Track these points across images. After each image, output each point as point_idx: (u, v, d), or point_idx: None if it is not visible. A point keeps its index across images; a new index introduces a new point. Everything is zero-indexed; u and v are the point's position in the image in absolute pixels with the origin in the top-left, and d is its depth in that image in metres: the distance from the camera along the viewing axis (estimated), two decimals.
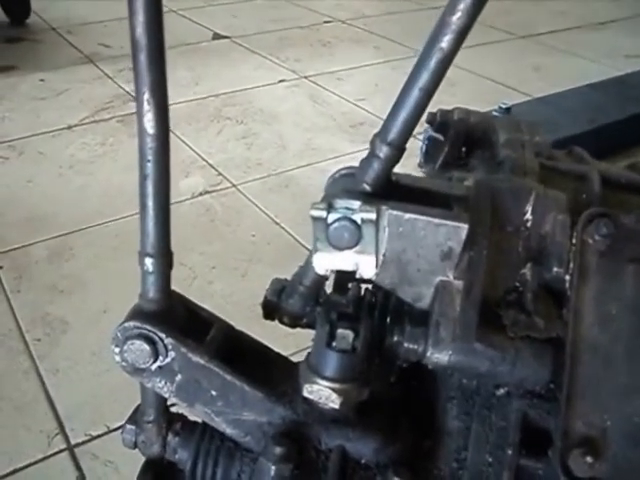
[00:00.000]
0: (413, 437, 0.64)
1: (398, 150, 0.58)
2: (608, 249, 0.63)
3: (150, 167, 0.55)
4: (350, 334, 0.58)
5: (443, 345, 0.59)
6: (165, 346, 0.60)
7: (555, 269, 0.64)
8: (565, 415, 0.58)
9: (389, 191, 0.61)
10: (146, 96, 0.53)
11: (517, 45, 3.67)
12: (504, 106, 2.16)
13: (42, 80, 3.02)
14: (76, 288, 1.71)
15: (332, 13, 4.13)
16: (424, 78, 0.55)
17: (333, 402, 0.59)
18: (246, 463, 0.65)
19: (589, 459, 0.57)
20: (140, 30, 0.50)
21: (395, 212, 0.58)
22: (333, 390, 0.59)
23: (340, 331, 0.58)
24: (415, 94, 0.56)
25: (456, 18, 0.53)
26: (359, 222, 0.58)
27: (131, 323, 0.60)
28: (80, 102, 2.78)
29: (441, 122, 0.85)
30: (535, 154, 0.77)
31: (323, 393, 0.60)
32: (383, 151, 0.58)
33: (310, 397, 0.60)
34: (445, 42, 0.54)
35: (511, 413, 0.62)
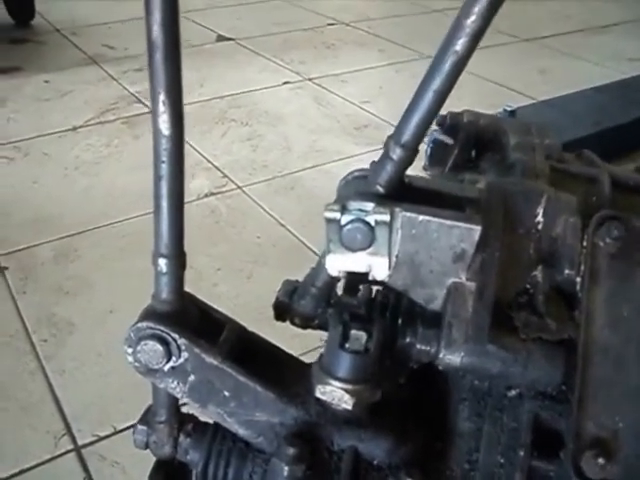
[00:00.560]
0: (424, 438, 0.64)
1: (411, 152, 0.58)
2: (619, 252, 0.64)
3: (165, 168, 0.55)
4: (363, 335, 0.59)
5: (455, 347, 0.59)
6: (178, 347, 0.60)
7: (566, 271, 0.64)
8: (577, 417, 0.58)
9: (402, 193, 0.61)
10: (162, 97, 0.53)
11: (521, 48, 3.67)
12: (509, 109, 2.17)
13: (47, 81, 3.03)
14: (82, 289, 1.71)
15: (336, 15, 4.14)
16: (438, 81, 0.55)
17: (346, 403, 0.59)
18: (258, 464, 0.65)
19: (601, 461, 0.57)
20: (156, 30, 0.50)
21: (409, 214, 0.58)
22: (346, 391, 0.59)
23: (353, 332, 0.59)
24: (429, 97, 0.56)
25: (471, 21, 0.53)
26: (372, 224, 0.58)
27: (144, 323, 0.60)
28: (85, 103, 2.79)
29: (451, 124, 0.85)
30: (545, 157, 0.77)
31: (336, 394, 0.60)
32: (396, 153, 0.58)
33: (323, 398, 0.60)
34: (459, 45, 0.54)
35: (523, 414, 0.62)
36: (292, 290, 0.73)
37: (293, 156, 2.43)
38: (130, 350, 0.61)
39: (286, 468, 0.57)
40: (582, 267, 0.63)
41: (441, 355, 0.60)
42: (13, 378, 1.46)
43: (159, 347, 0.60)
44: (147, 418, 0.68)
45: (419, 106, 0.58)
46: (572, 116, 2.24)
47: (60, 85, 3.00)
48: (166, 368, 0.61)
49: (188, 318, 0.62)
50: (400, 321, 0.64)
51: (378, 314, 0.64)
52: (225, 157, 2.34)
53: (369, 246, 0.59)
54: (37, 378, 1.44)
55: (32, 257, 1.86)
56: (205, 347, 0.61)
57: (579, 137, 2.10)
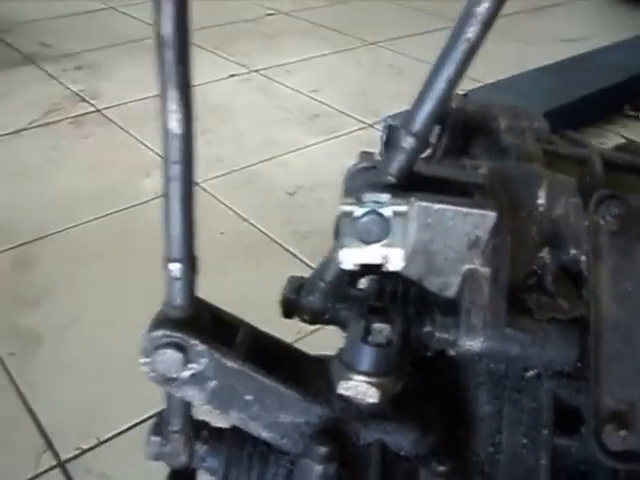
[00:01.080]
0: (446, 426, 0.64)
1: (423, 141, 0.58)
2: (619, 229, 0.65)
3: (177, 169, 0.53)
4: (387, 327, 0.58)
5: (475, 332, 0.60)
6: (197, 353, 0.59)
7: (572, 251, 0.66)
8: (594, 392, 0.60)
9: (412, 182, 0.61)
10: (173, 94, 0.51)
11: None
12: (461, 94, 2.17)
13: None
14: (45, 298, 1.65)
15: (274, 5, 4.10)
16: (450, 69, 0.55)
17: (371, 397, 0.59)
18: (281, 465, 0.64)
19: (622, 433, 0.59)
20: (167, 25, 0.48)
21: (424, 203, 0.58)
22: (371, 384, 0.59)
23: (377, 325, 0.58)
24: (440, 85, 0.56)
25: (482, 8, 0.53)
26: (389, 215, 0.58)
27: (160, 332, 0.58)
28: (26, 105, 2.68)
29: None
30: (536, 140, 0.79)
31: (360, 389, 0.59)
32: (408, 142, 0.58)
33: (346, 394, 0.60)
34: (471, 32, 0.54)
35: (542, 394, 0.63)
36: (299, 286, 0.72)
37: (248, 149, 2.40)
38: (146, 360, 0.59)
39: (319, 468, 0.56)
40: (586, 246, 0.65)
41: (461, 342, 0.60)
42: None
43: (177, 355, 0.58)
44: (159, 429, 0.66)
45: (431, 95, 0.57)
46: (522, 97, 2.29)
47: None
48: (185, 376, 0.60)
49: (203, 323, 0.60)
50: (416, 310, 0.64)
51: (395, 305, 0.64)
52: None
53: (384, 238, 0.59)
54: (9, 394, 1.38)
55: None
56: (224, 351, 0.59)
57: None
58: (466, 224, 0.59)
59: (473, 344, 0.60)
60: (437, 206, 0.58)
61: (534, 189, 0.67)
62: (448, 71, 0.56)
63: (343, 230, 0.59)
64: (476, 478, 0.62)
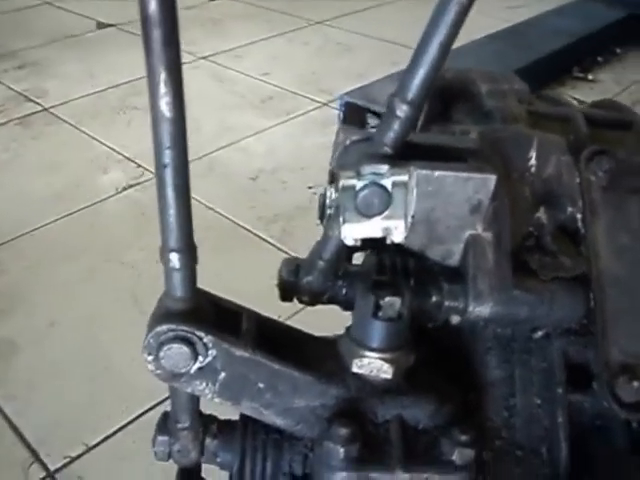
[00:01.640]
0: (458, 394, 0.64)
1: (418, 109, 0.56)
2: (610, 184, 0.65)
3: (169, 154, 0.50)
4: (397, 301, 0.57)
5: (483, 297, 0.59)
6: (205, 345, 0.56)
7: (568, 209, 0.66)
8: (603, 346, 0.60)
9: (407, 151, 0.59)
10: (162, 77, 0.48)
11: (407, 4, 3.72)
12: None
13: None
14: (15, 305, 1.60)
15: None
16: (442, 33, 0.53)
17: (385, 372, 0.58)
18: (297, 451, 0.63)
19: (635, 384, 0.59)
20: (153, 5, 0.45)
21: (424, 171, 0.57)
22: (384, 360, 0.58)
23: (387, 299, 0.57)
24: (433, 50, 0.54)
25: None
26: (389, 186, 0.57)
27: (164, 326, 0.56)
28: None
29: None
30: (518, 101, 0.78)
31: (374, 365, 0.58)
32: (403, 110, 0.56)
33: (360, 372, 0.59)
34: None
35: (552, 353, 0.63)
36: (295, 268, 0.70)
37: (205, 137, 2.36)
38: (151, 358, 0.56)
39: (341, 450, 0.55)
40: (580, 203, 0.65)
41: (470, 308, 0.59)
42: None
43: (185, 349, 0.56)
44: (167, 427, 0.64)
45: (423, 60, 0.56)
46: (474, 65, 2.30)
47: None
48: (193, 370, 0.57)
49: (206, 314, 0.58)
50: (420, 281, 0.63)
51: (402, 278, 0.63)
52: (135, 146, 2.24)
53: (385, 210, 0.57)
54: None
55: None
56: (232, 341, 0.57)
57: None
58: (467, 189, 0.58)
59: (482, 309, 0.60)
60: (437, 173, 0.57)
61: (525, 150, 0.67)
62: (440, 35, 0.54)
63: (344, 205, 0.57)
64: (496, 443, 0.62)
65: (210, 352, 0.57)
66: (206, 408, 0.63)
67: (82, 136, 2.35)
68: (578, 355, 0.64)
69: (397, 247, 0.65)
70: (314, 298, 0.69)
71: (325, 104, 2.62)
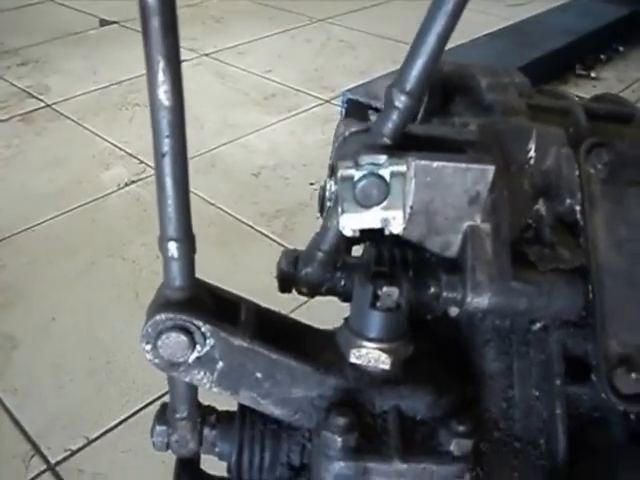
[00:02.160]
0: (457, 386, 0.64)
1: (417, 99, 0.56)
2: (609, 176, 0.65)
3: (168, 143, 0.50)
4: (395, 291, 0.57)
5: (482, 288, 0.59)
6: (203, 334, 0.56)
7: (567, 201, 0.66)
8: (601, 339, 0.60)
9: (405, 142, 0.59)
10: (161, 65, 0.48)
11: (409, 3, 3.72)
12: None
13: None
14: (16, 300, 1.60)
15: None
16: (440, 24, 0.53)
17: (383, 363, 0.58)
18: (294, 442, 0.63)
19: (634, 375, 0.59)
20: None
21: (423, 162, 0.57)
22: (382, 351, 0.58)
23: (385, 289, 0.57)
24: (431, 40, 0.54)
25: None
26: (387, 177, 0.57)
27: (162, 315, 0.56)
28: None
29: None
30: (519, 95, 0.78)
31: (372, 355, 0.58)
32: (402, 101, 0.56)
33: (358, 362, 0.59)
34: None
35: (550, 345, 0.63)
36: (295, 259, 0.70)
37: (207, 133, 2.36)
38: (149, 347, 0.56)
39: (339, 439, 0.55)
40: (579, 195, 0.65)
41: (469, 299, 0.59)
42: None
43: (183, 338, 0.56)
44: (165, 418, 0.64)
45: (422, 51, 0.56)
46: (479, 61, 2.30)
47: None
48: (191, 359, 0.57)
49: (205, 303, 0.58)
50: (418, 273, 0.63)
51: (401, 269, 0.63)
52: (137, 143, 2.24)
53: (384, 200, 0.57)
54: None
55: None
56: (231, 330, 0.57)
57: None
58: (466, 180, 0.58)
59: (480, 300, 0.59)
60: (436, 164, 0.57)
61: (524, 142, 0.67)
62: (438, 26, 0.54)
63: (343, 195, 0.57)
64: (494, 435, 0.62)
65: (208, 341, 0.57)
66: (205, 400, 0.63)
67: (84, 132, 2.35)
68: (577, 347, 0.64)
69: (396, 239, 0.65)
70: (313, 289, 0.69)
71: (327, 101, 2.62)
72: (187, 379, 0.59)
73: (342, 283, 0.68)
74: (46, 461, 1.21)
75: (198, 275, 0.58)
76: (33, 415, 1.30)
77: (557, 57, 2.62)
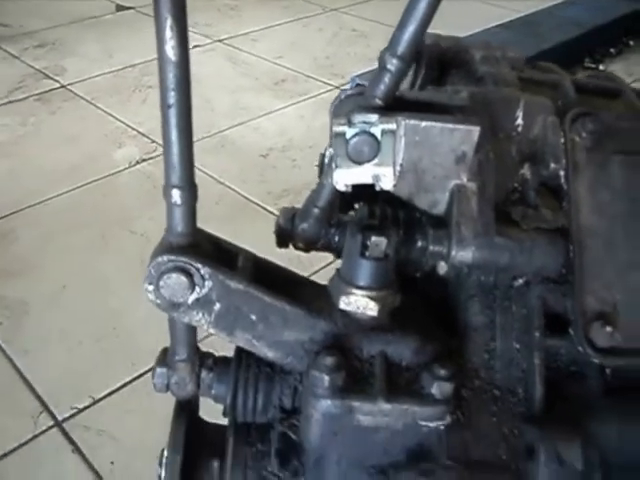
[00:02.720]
0: (442, 337, 0.67)
1: (407, 63, 0.60)
2: (594, 144, 0.68)
3: (174, 96, 0.54)
4: (383, 241, 0.60)
5: (466, 243, 0.62)
6: (202, 276, 0.60)
7: (552, 166, 0.68)
8: (579, 295, 0.63)
9: (397, 105, 0.62)
10: (169, 22, 0.52)
11: None
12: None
13: None
14: (28, 269, 1.65)
15: None
16: None
17: (371, 310, 0.61)
18: (286, 385, 0.66)
19: (609, 329, 0.62)
20: None
21: (412, 121, 0.60)
22: (370, 298, 0.61)
23: (374, 239, 0.60)
24: (422, 6, 0.57)
25: None
26: (378, 135, 0.60)
27: (165, 257, 0.59)
28: None
29: None
30: (511, 68, 0.81)
31: (360, 302, 0.62)
32: (393, 64, 0.59)
33: (347, 308, 0.62)
34: None
35: (531, 300, 0.66)
36: (292, 216, 0.73)
37: (218, 116, 2.40)
38: (151, 287, 0.60)
39: (327, 378, 0.58)
40: (564, 161, 0.68)
41: (453, 252, 0.62)
42: None
43: (183, 279, 0.59)
44: (165, 360, 0.68)
45: (413, 17, 0.59)
46: None
47: None
48: (190, 300, 0.61)
49: (205, 249, 0.62)
50: (408, 230, 0.66)
51: (389, 223, 0.66)
52: (149, 123, 2.29)
53: (375, 157, 0.61)
54: (0, 362, 1.39)
55: None
56: (229, 274, 0.61)
57: None
58: (453, 140, 0.61)
59: (465, 254, 0.62)
60: (424, 123, 0.60)
61: (512, 110, 0.69)
62: None
63: (337, 151, 0.60)
64: (475, 383, 0.65)
65: (207, 283, 0.60)
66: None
67: (98, 112, 2.40)
68: (556, 303, 0.67)
69: (388, 200, 0.69)
70: (308, 245, 0.73)
71: (337, 87, 2.66)
72: (186, 320, 0.62)
73: (336, 239, 0.71)
74: (54, 418, 1.26)
75: None
76: (42, 375, 1.35)
77: (566, 49, 2.63)
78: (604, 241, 0.65)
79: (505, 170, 0.68)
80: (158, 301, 0.61)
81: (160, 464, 0.67)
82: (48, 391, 1.32)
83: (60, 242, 1.74)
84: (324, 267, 1.45)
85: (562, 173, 0.68)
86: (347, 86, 2.44)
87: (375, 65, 0.60)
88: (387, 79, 0.60)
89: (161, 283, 0.60)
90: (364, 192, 0.65)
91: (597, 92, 0.82)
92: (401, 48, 0.59)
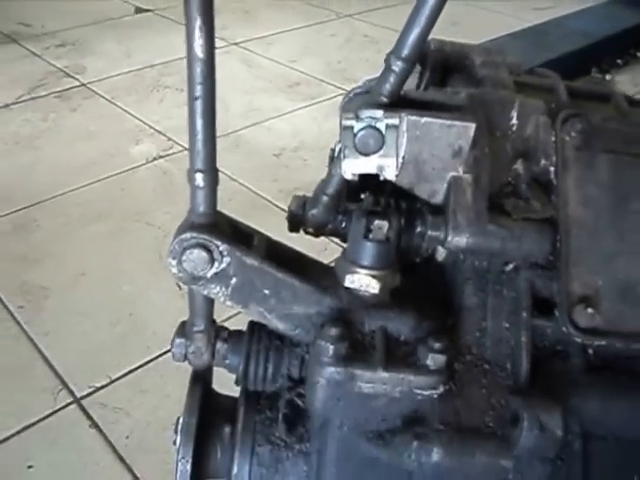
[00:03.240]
0: (438, 316, 0.73)
1: (411, 64, 0.65)
2: (582, 144, 0.74)
3: (200, 89, 0.60)
4: (385, 224, 0.66)
5: (461, 229, 0.68)
6: (221, 253, 0.65)
7: (542, 162, 0.74)
8: (565, 279, 0.68)
9: (401, 103, 0.69)
10: (198, 23, 0.58)
11: None
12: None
13: None
14: (49, 256, 1.72)
15: None
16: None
17: (373, 288, 0.67)
18: (294, 357, 0.71)
19: (590, 310, 0.67)
20: None
21: (413, 117, 0.66)
22: (372, 277, 0.66)
23: (376, 222, 0.66)
24: (427, 11, 0.63)
25: None
26: (382, 129, 0.66)
27: (188, 234, 0.65)
28: (12, 81, 2.72)
29: (420, 52, 0.93)
30: (509, 73, 0.87)
31: (363, 281, 0.67)
32: (398, 66, 0.65)
33: (352, 286, 0.67)
34: None
35: (520, 283, 0.72)
36: (303, 203, 0.79)
37: (232, 116, 2.47)
38: (175, 262, 0.65)
39: (331, 347, 0.62)
40: (554, 158, 0.73)
41: (449, 238, 0.68)
42: None
43: (204, 254, 0.65)
44: (184, 331, 0.73)
45: (418, 21, 0.64)
46: None
47: None
48: (209, 274, 0.66)
49: (224, 229, 0.68)
50: (410, 216, 0.72)
51: (392, 210, 0.72)
52: (166, 122, 2.36)
53: (379, 149, 0.67)
54: (22, 342, 1.46)
55: None
56: (245, 251, 0.66)
57: None
58: (450, 135, 0.67)
59: (459, 239, 0.68)
60: (424, 119, 0.66)
61: (508, 110, 0.75)
62: (431, 1, 0.63)
63: (345, 143, 0.66)
64: (467, 357, 0.70)
65: (225, 259, 0.66)
66: None
67: (117, 110, 2.48)
68: (544, 287, 0.72)
69: (391, 190, 0.75)
70: (318, 229, 0.78)
71: (346, 91, 2.71)
72: (205, 292, 0.68)
73: (343, 225, 0.77)
74: (72, 395, 1.32)
75: None
76: (62, 355, 1.42)
77: (573, 59, 2.67)
78: (589, 231, 0.71)
79: (500, 165, 0.74)
80: (180, 274, 0.66)
81: (175, 431, 0.72)
82: (67, 370, 1.39)
83: (79, 232, 1.81)
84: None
85: (552, 169, 0.73)
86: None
87: None
88: (392, 79, 0.66)
89: (184, 258, 0.65)
90: (369, 183, 0.71)
91: (589, 96, 0.87)
92: (405, 51, 0.65)
